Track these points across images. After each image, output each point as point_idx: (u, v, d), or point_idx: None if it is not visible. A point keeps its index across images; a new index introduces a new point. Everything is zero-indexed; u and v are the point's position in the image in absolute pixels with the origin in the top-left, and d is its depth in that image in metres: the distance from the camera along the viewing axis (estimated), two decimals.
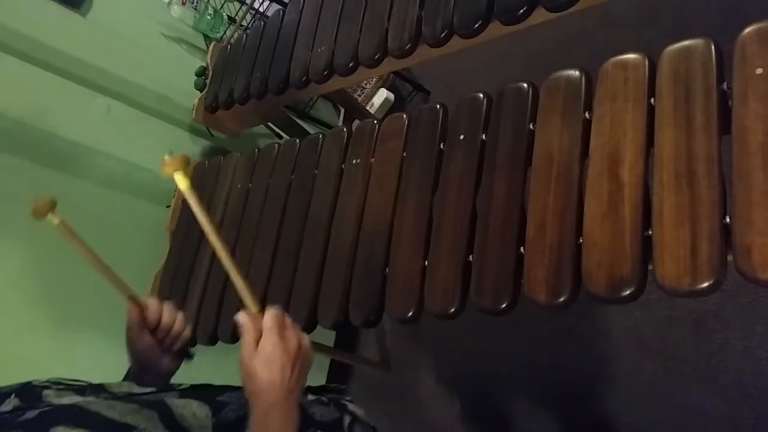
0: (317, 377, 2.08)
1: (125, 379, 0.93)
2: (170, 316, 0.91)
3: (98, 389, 0.77)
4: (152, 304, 0.91)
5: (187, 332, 0.94)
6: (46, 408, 0.66)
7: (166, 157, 0.81)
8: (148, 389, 0.80)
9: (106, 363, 1.61)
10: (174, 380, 0.96)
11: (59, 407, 0.67)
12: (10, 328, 1.52)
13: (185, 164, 0.81)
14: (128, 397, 0.75)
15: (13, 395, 0.69)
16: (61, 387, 0.74)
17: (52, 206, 0.88)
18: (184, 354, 0.95)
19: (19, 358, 1.50)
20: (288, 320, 0.77)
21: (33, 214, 0.87)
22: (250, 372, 0.72)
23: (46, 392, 0.71)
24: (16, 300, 1.55)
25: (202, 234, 1.54)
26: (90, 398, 0.72)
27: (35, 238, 1.62)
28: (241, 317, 0.76)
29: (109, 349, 1.62)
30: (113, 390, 0.78)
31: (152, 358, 0.91)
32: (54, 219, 0.88)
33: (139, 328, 0.89)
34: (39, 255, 1.61)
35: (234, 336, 1.34)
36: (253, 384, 0.72)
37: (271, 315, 0.75)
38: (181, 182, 0.80)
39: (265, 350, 0.72)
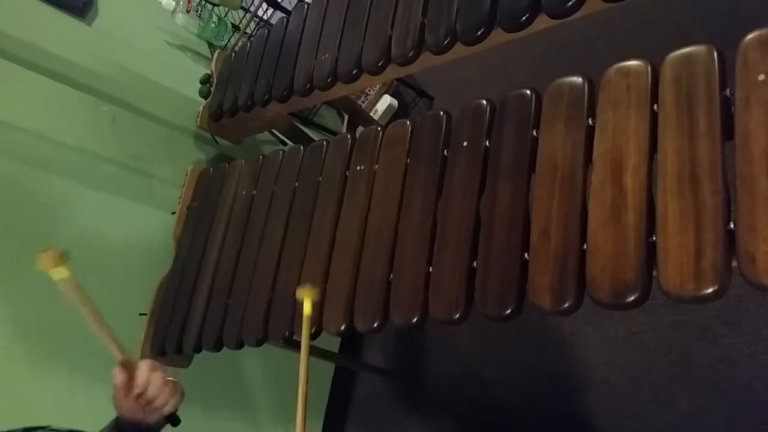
0: (322, 385, 2.08)
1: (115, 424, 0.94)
2: (156, 390, 0.91)
3: None
4: (141, 374, 0.91)
5: (169, 408, 0.93)
6: None
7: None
8: None
9: (98, 406, 1.63)
10: None
11: None
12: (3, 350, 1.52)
13: (59, 260, 0.86)
14: None
15: None
16: None
17: (62, 259, 0.89)
18: (170, 418, 0.97)
19: (12, 398, 1.50)
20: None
21: (41, 266, 0.87)
22: None
23: None
24: (10, 336, 1.55)
25: (207, 241, 1.56)
26: None
27: (37, 248, 1.63)
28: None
29: (103, 388, 1.64)
30: None
31: (137, 417, 0.93)
32: (62, 273, 0.88)
33: (124, 393, 0.91)
34: (34, 275, 1.62)
35: (239, 342, 1.35)
36: None
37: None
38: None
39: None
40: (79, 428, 0.83)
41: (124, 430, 0.92)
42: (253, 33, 2.19)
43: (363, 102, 2.43)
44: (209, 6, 2.17)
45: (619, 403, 1.55)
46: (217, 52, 1.98)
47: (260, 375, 1.97)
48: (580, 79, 0.99)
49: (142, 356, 1.58)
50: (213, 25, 2.16)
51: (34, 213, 1.64)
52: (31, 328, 1.58)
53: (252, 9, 2.21)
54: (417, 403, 1.98)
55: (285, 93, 1.60)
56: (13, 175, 1.63)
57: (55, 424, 0.80)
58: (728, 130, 0.81)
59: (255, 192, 1.53)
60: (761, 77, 0.78)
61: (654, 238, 0.82)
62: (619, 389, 1.56)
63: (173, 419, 0.97)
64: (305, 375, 0.85)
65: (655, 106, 0.88)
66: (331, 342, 2.02)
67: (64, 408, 1.57)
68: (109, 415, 0.96)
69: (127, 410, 0.91)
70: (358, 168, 1.29)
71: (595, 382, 1.60)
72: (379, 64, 1.36)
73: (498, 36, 1.18)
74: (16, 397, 1.50)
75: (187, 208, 1.73)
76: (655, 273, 0.81)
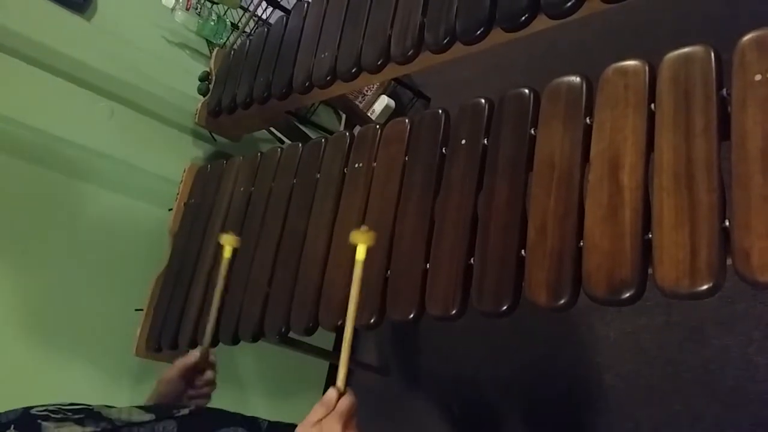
0: (316, 382, 2.09)
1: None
2: (209, 381, 1.07)
3: (97, 417, 0.79)
4: (210, 372, 1.08)
5: (204, 402, 1.07)
6: None
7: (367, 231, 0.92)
8: (147, 417, 0.83)
9: (97, 384, 1.63)
10: None
11: None
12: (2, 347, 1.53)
13: (371, 241, 0.91)
14: (128, 428, 0.78)
15: (12, 427, 0.70)
16: (59, 416, 0.75)
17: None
18: None
19: (13, 376, 1.51)
20: (355, 414, 0.83)
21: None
22: None
23: (45, 424, 0.72)
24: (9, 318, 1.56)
25: (203, 237, 1.56)
26: (89, 429, 0.74)
27: (35, 243, 1.63)
28: (331, 392, 0.83)
29: (100, 387, 1.65)
30: (113, 417, 0.79)
31: (171, 400, 1.02)
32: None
33: (184, 372, 1.04)
34: (35, 262, 1.62)
35: (235, 338, 1.35)
36: None
37: (347, 402, 0.82)
38: (360, 255, 0.90)
39: (323, 430, 0.78)
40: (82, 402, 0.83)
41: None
42: (252, 31, 2.20)
43: (360, 102, 2.44)
44: (208, 4, 2.18)
45: (612, 403, 1.56)
46: (215, 50, 1.98)
47: (255, 371, 1.97)
48: (578, 79, 1.00)
49: (138, 352, 1.58)
50: (212, 23, 2.17)
51: (30, 208, 1.64)
52: (37, 315, 1.59)
53: (251, 8, 2.22)
54: (411, 401, 1.99)
55: (284, 91, 1.61)
56: (10, 169, 1.63)
57: (58, 402, 0.80)
58: (725, 130, 0.82)
59: (253, 189, 1.53)
60: (758, 77, 0.79)
61: (650, 236, 0.82)
62: (612, 389, 1.57)
63: None
64: (351, 331, 0.88)
65: (653, 106, 0.89)
66: (325, 340, 2.02)
67: (63, 390, 1.57)
68: (104, 397, 0.99)
69: (171, 391, 1.01)
70: (356, 165, 1.30)
71: (589, 382, 1.61)
72: (379, 62, 1.37)
73: (497, 36, 1.19)
74: (15, 380, 1.51)
75: (184, 205, 1.73)
76: (650, 270, 0.82)
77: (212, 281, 1.48)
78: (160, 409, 0.89)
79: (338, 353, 0.87)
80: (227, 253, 1.18)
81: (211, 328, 1.18)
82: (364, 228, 0.90)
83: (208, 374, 1.09)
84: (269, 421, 0.95)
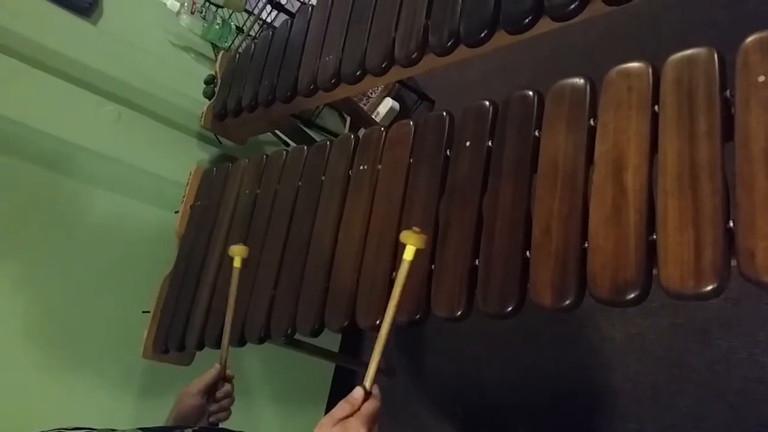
0: (322, 384, 2.09)
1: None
2: (229, 398, 1.12)
3: None
4: (228, 385, 1.12)
5: (224, 417, 1.12)
6: None
7: (418, 233, 0.90)
8: None
9: (103, 404, 1.64)
10: None
11: None
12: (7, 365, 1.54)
13: (422, 244, 0.89)
14: None
15: None
16: None
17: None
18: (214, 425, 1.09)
19: (22, 377, 1.52)
20: (379, 419, 0.83)
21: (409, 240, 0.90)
22: None
23: None
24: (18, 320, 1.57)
25: (210, 239, 1.57)
26: None
27: (42, 246, 1.65)
28: (358, 391, 0.84)
29: (107, 389, 1.65)
30: None
31: (190, 420, 1.04)
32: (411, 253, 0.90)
33: (204, 389, 1.07)
34: (42, 265, 1.63)
35: (241, 339, 1.36)
36: None
37: (373, 405, 0.82)
38: (409, 255, 0.89)
39: (347, 429, 0.78)
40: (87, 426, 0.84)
41: None
42: (257, 35, 2.21)
43: (365, 104, 2.45)
44: (213, 8, 2.19)
45: (618, 404, 1.56)
46: (221, 53, 1.99)
47: (261, 374, 1.98)
48: (581, 81, 1.00)
49: (145, 354, 1.59)
50: (217, 26, 2.18)
51: (36, 210, 1.66)
52: (44, 317, 1.60)
53: (256, 11, 2.23)
54: (416, 403, 1.99)
55: (289, 94, 1.62)
56: (17, 172, 1.64)
57: (62, 425, 0.81)
58: (728, 131, 0.82)
59: (258, 191, 1.54)
60: (761, 79, 0.80)
61: (654, 237, 0.83)
62: (618, 391, 1.56)
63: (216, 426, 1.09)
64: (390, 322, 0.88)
65: (656, 107, 0.90)
66: (331, 342, 2.03)
67: (71, 409, 1.58)
68: (115, 415, 0.99)
69: (191, 409, 1.04)
70: (361, 167, 1.30)
71: (594, 383, 1.61)
72: (383, 65, 1.38)
73: (501, 38, 1.19)
74: (25, 382, 1.52)
75: (190, 207, 1.74)
76: (655, 271, 0.82)
77: (219, 283, 1.49)
78: (164, 429, 0.89)
79: (344, 355, 0.87)
80: (237, 263, 1.20)
81: (226, 342, 1.19)
82: (416, 229, 0.88)
83: (227, 387, 1.13)
84: None
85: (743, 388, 1.38)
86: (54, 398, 1.56)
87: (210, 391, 1.11)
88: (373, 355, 0.86)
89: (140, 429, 0.85)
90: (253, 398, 1.97)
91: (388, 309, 0.88)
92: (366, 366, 0.89)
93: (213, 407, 1.10)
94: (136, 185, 1.83)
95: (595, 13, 1.07)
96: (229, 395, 1.13)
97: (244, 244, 1.46)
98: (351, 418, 0.79)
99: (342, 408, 0.80)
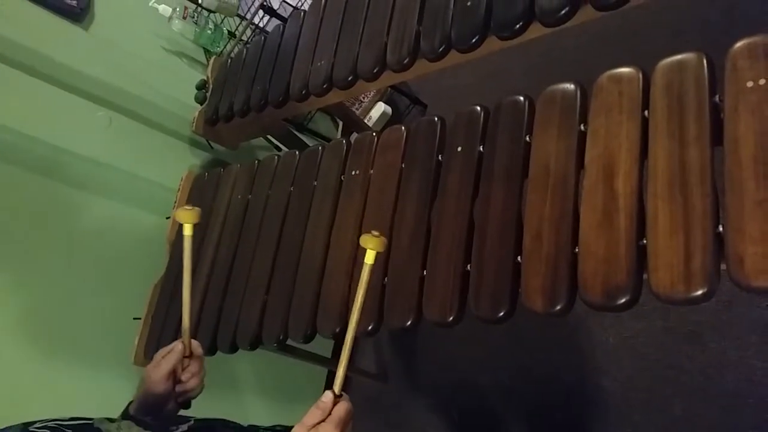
0: (315, 389, 2.09)
1: (125, 411, 0.96)
2: (197, 372, 1.00)
3: None
4: (198, 350, 1.01)
5: (195, 394, 1.01)
6: None
7: (186, 209, 0.96)
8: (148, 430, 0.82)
9: (96, 393, 1.63)
10: None
11: None
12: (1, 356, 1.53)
13: (196, 218, 0.96)
14: None
15: None
16: None
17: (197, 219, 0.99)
18: (185, 404, 1.01)
19: (11, 386, 1.51)
20: (351, 420, 0.83)
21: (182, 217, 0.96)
22: None
23: None
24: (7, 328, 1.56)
25: (201, 245, 1.56)
26: None
27: (34, 251, 1.64)
28: (327, 396, 0.83)
29: (99, 380, 1.64)
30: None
31: (159, 403, 0.96)
32: (190, 230, 0.97)
33: (170, 373, 0.96)
34: (33, 271, 1.62)
35: (233, 346, 1.35)
36: None
37: (344, 407, 0.82)
38: (188, 230, 0.94)
39: None
40: (83, 416, 0.83)
41: (145, 412, 0.94)
42: (249, 40, 2.20)
43: (357, 109, 2.45)
44: (205, 13, 2.18)
45: (611, 407, 1.56)
46: (212, 58, 1.99)
47: (253, 378, 1.97)
48: (572, 86, 1.00)
49: (137, 361, 1.58)
50: (209, 31, 2.18)
51: (27, 216, 1.65)
52: (35, 324, 1.59)
53: (248, 16, 2.22)
54: (410, 408, 1.99)
55: (281, 99, 1.62)
56: (8, 178, 1.63)
57: (57, 416, 0.80)
58: (717, 136, 0.82)
59: (250, 196, 1.54)
60: (749, 84, 0.80)
61: (644, 242, 0.83)
62: (611, 394, 1.57)
63: (188, 404, 1.01)
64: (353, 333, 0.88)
65: (646, 112, 0.90)
66: (323, 347, 2.02)
67: (62, 400, 1.57)
68: (103, 407, 0.98)
69: (159, 387, 0.95)
70: (353, 173, 1.30)
71: (588, 387, 1.62)
72: (375, 70, 1.38)
73: (492, 43, 1.20)
74: (20, 390, 1.51)
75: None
76: (645, 276, 0.83)
77: (210, 289, 1.48)
78: (158, 426, 0.88)
79: (337, 360, 0.87)
80: (188, 231, 1.04)
81: (187, 319, 1.05)
82: (375, 233, 0.90)
83: (192, 367, 1.00)
84: (266, 427, 0.94)
85: (736, 391, 1.38)
86: (45, 404, 1.55)
87: (177, 373, 0.99)
88: (341, 359, 0.86)
89: (135, 424, 0.84)
90: (246, 404, 1.96)
91: (352, 315, 0.88)
92: (358, 372, 0.89)
93: (178, 389, 0.98)
94: (127, 191, 1.82)
95: (585, 18, 1.07)
96: (196, 374, 1.00)
97: (235, 250, 1.46)
98: (323, 423, 0.79)
99: (312, 414, 0.80)
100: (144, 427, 0.85)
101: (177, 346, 0.99)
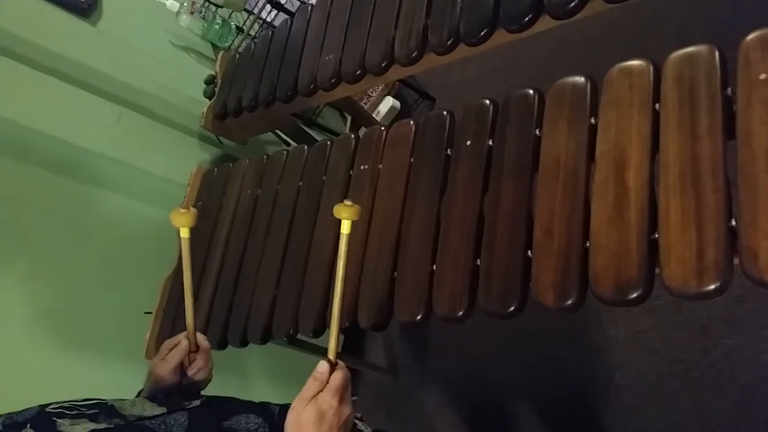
0: None
1: (137, 395, 0.97)
2: (204, 362, 1.00)
3: (111, 412, 0.79)
4: (200, 359, 0.99)
5: (205, 384, 1.02)
6: None
7: (182, 210, 0.93)
8: (159, 411, 0.83)
9: (108, 388, 1.64)
10: None
11: None
12: (11, 343, 1.54)
13: (193, 221, 0.93)
14: (140, 423, 0.78)
15: (28, 425, 0.70)
16: (74, 413, 0.76)
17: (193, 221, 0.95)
18: (193, 394, 1.00)
19: (24, 381, 1.52)
20: (348, 386, 0.81)
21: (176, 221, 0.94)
22: (299, 418, 0.76)
23: (59, 421, 0.72)
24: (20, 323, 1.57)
25: (211, 240, 1.57)
26: (103, 425, 0.75)
27: (45, 246, 1.65)
28: (323, 366, 0.81)
29: (111, 374, 1.65)
30: (125, 412, 0.80)
31: (168, 394, 0.96)
32: (186, 233, 0.95)
33: (177, 366, 0.96)
34: (46, 265, 1.63)
35: (243, 340, 1.36)
36: (296, 429, 0.77)
37: (340, 375, 0.80)
38: (184, 233, 0.92)
39: (321, 405, 0.77)
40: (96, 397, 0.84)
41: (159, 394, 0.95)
42: (257, 35, 2.20)
43: (365, 103, 2.44)
44: (213, 8, 2.18)
45: (622, 402, 1.56)
46: (221, 53, 1.99)
47: (263, 373, 1.98)
48: (582, 79, 1.00)
49: (148, 355, 1.59)
50: (217, 26, 2.18)
51: (38, 212, 1.66)
52: (48, 318, 1.60)
53: (255, 11, 2.22)
54: (420, 402, 1.99)
55: (289, 93, 1.62)
56: (18, 173, 1.64)
57: (72, 399, 0.81)
58: (730, 129, 0.82)
59: (259, 191, 1.54)
60: (762, 76, 0.79)
61: (656, 236, 0.82)
62: (622, 389, 1.56)
63: (196, 394, 1.01)
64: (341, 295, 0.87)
65: (657, 106, 0.89)
66: None
67: (81, 392, 1.58)
68: (127, 389, 0.99)
69: (166, 381, 0.96)
70: (362, 167, 1.30)
71: (598, 381, 1.61)
72: (383, 64, 1.37)
73: (501, 37, 1.19)
74: (33, 382, 1.52)
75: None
76: (657, 270, 0.82)
77: (221, 283, 1.49)
78: (172, 401, 0.89)
79: (346, 355, 0.87)
80: (184, 233, 0.97)
81: (190, 315, 1.01)
82: (347, 202, 0.89)
83: (199, 360, 0.99)
84: (280, 405, 0.94)
85: (747, 387, 1.37)
86: (57, 396, 1.56)
87: (183, 365, 0.99)
88: (331, 326, 0.85)
89: (148, 400, 0.85)
90: (254, 398, 1.97)
91: (336, 284, 0.87)
92: (368, 366, 0.89)
93: (186, 381, 0.99)
94: (137, 186, 1.83)
95: (595, 10, 1.06)
96: (203, 368, 1.00)
97: (245, 244, 1.46)
98: (321, 393, 0.78)
99: (310, 386, 0.79)
100: (158, 403, 0.85)
101: (182, 342, 0.98)
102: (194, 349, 1.00)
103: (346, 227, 0.89)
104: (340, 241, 0.89)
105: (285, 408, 0.94)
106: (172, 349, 0.99)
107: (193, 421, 0.81)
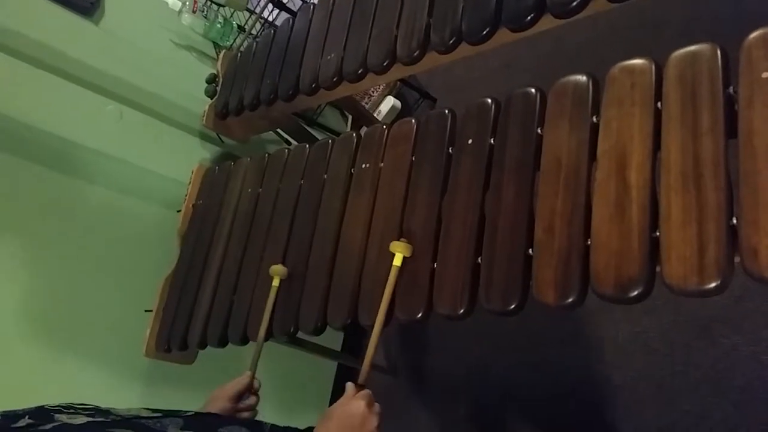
0: (324, 382, 2.09)
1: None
2: (250, 410, 1.13)
3: (106, 414, 0.82)
4: (253, 398, 1.15)
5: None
6: (60, 424, 0.69)
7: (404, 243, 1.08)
8: (156, 414, 0.86)
9: (107, 385, 1.65)
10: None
11: (73, 425, 0.71)
12: (10, 342, 1.54)
13: (407, 251, 1.08)
14: (136, 420, 0.81)
15: (27, 417, 0.73)
16: (71, 411, 0.78)
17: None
18: None
19: (23, 379, 1.53)
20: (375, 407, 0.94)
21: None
22: (329, 415, 0.88)
23: (58, 416, 0.75)
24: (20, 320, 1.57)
25: (212, 238, 1.57)
26: (99, 419, 0.77)
27: (45, 244, 1.65)
28: (349, 385, 0.97)
29: (111, 371, 1.65)
30: (121, 413, 0.83)
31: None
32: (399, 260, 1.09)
33: (235, 395, 1.11)
34: (46, 263, 1.63)
35: (244, 338, 1.36)
36: (325, 426, 0.87)
37: (367, 392, 0.95)
38: (398, 260, 1.08)
39: (350, 409, 0.89)
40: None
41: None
42: (259, 34, 2.21)
43: (367, 103, 2.45)
44: (215, 7, 2.19)
45: (621, 402, 1.56)
46: (222, 52, 1.99)
47: (262, 371, 1.97)
48: (584, 78, 1.00)
49: (148, 353, 1.59)
50: (219, 25, 2.18)
51: (38, 210, 1.66)
52: (47, 316, 1.61)
53: (257, 10, 2.23)
54: (420, 402, 1.99)
55: (290, 92, 1.62)
56: (20, 171, 1.64)
57: (70, 402, 0.83)
58: (731, 128, 0.82)
59: (260, 190, 1.54)
60: (765, 75, 0.79)
61: (657, 234, 0.82)
62: (621, 388, 1.56)
63: None
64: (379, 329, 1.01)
65: (659, 104, 0.89)
66: (333, 340, 2.03)
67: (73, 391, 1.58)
68: (114, 398, 1.01)
69: (217, 404, 1.08)
70: (363, 166, 1.30)
71: (597, 381, 1.61)
72: (385, 63, 1.38)
73: (503, 36, 1.19)
74: (32, 381, 1.53)
75: (192, 206, 1.74)
76: (658, 268, 0.82)
77: (221, 282, 1.49)
78: (168, 410, 0.90)
79: (346, 354, 0.89)
80: (276, 282, 1.29)
81: (255, 359, 1.23)
82: (404, 240, 1.07)
83: (252, 399, 1.14)
84: (272, 425, 0.97)
85: (747, 387, 1.37)
86: (56, 395, 1.56)
87: (237, 398, 1.13)
88: (367, 353, 0.98)
89: (144, 408, 0.87)
90: None
91: (379, 311, 0.98)
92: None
93: (232, 412, 1.10)
94: (138, 184, 1.83)
95: (597, 9, 1.06)
96: (252, 408, 1.14)
97: (246, 243, 1.47)
98: (356, 399, 0.91)
99: (344, 398, 0.92)
100: (153, 410, 0.88)
101: (247, 377, 1.15)
102: (253, 390, 1.15)
103: (398, 260, 1.03)
104: (391, 272, 1.04)
105: (275, 427, 0.96)
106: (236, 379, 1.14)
107: (187, 424, 0.83)
